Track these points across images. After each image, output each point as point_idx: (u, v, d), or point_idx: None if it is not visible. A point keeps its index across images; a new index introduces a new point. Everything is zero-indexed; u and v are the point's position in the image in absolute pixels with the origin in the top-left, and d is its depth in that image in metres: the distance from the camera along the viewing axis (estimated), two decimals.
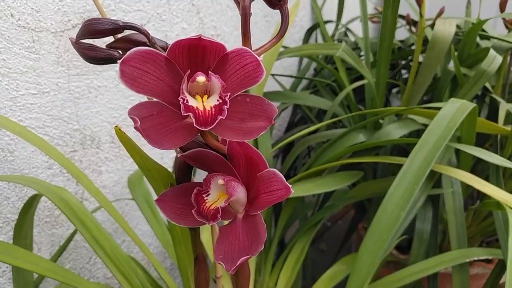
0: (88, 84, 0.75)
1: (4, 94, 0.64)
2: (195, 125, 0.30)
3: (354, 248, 1.19)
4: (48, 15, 0.67)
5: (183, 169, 0.43)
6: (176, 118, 0.33)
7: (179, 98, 0.30)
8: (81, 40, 0.38)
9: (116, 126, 0.32)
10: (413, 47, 1.21)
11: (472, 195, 1.05)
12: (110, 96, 0.79)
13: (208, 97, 0.32)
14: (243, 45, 0.36)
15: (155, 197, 0.41)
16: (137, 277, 0.66)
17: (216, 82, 0.31)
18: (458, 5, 1.25)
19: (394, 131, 0.76)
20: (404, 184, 0.59)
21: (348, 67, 1.15)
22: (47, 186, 0.60)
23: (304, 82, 1.32)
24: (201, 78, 0.31)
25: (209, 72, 0.31)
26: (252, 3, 0.36)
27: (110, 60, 0.37)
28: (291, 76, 1.13)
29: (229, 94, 0.31)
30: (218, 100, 0.31)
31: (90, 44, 0.37)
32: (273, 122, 0.31)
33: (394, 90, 1.34)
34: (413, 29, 0.99)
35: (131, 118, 0.29)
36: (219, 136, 0.33)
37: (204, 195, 0.38)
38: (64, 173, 0.75)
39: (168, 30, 0.86)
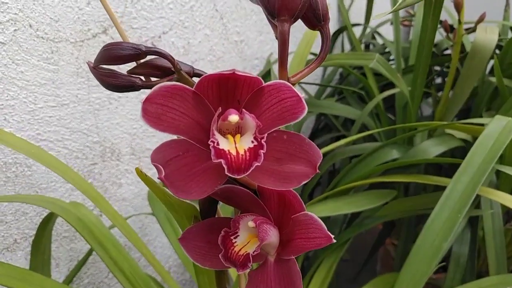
0: (109, 95, 0.72)
1: (22, 108, 0.62)
2: (226, 173, 0.26)
3: (380, 262, 1.14)
4: (67, 24, 0.64)
5: (208, 203, 0.39)
6: (204, 157, 0.29)
7: (209, 142, 0.26)
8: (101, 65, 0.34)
9: (137, 167, 0.28)
10: (446, 52, 1.15)
11: (508, 212, 0.99)
12: (131, 107, 0.76)
13: (241, 136, 0.28)
14: (280, 73, 0.32)
15: None
16: None
17: (250, 120, 0.27)
18: (495, 7, 1.18)
19: (431, 148, 0.71)
20: (446, 211, 0.54)
21: (376, 73, 1.10)
22: (63, 205, 0.58)
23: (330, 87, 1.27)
24: (233, 117, 0.27)
25: (243, 109, 0.27)
26: None
27: (132, 87, 0.34)
28: (317, 84, 1.08)
29: (265, 135, 0.27)
30: (252, 142, 0.27)
31: (110, 69, 0.34)
32: (317, 171, 0.27)
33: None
34: (450, 35, 0.93)
35: (154, 166, 0.25)
36: (252, 181, 0.29)
37: (232, 237, 0.34)
38: None
39: (191, 37, 0.83)
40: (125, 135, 0.77)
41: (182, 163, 0.28)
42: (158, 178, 0.25)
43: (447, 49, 1.13)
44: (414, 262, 0.53)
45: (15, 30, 0.59)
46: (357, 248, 1.16)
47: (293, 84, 0.32)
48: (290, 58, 0.83)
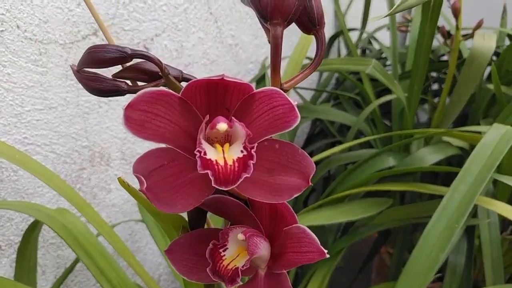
0: (98, 98, 0.70)
1: (9, 110, 0.60)
2: (213, 185, 0.24)
3: (375, 271, 1.12)
4: (56, 26, 0.62)
5: (197, 213, 0.38)
6: (191, 167, 0.27)
7: (195, 152, 0.25)
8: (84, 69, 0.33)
9: (119, 177, 0.27)
10: (443, 58, 1.14)
11: (504, 221, 0.98)
12: (121, 111, 0.75)
13: (230, 145, 0.27)
14: (272, 79, 0.30)
15: None
16: None
17: (240, 129, 0.26)
18: (492, 14, 1.17)
19: (427, 156, 0.70)
20: (444, 221, 0.53)
21: (372, 78, 1.09)
22: (48, 212, 0.56)
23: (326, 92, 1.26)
24: (222, 125, 0.25)
25: (232, 117, 0.26)
26: None
27: (117, 92, 0.32)
28: (312, 89, 1.07)
29: (255, 145, 0.26)
30: (242, 151, 0.26)
31: (94, 73, 0.32)
32: (310, 183, 0.26)
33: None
34: (447, 41, 0.92)
35: (136, 177, 0.24)
36: (241, 193, 0.28)
37: (221, 250, 0.33)
38: None
39: (184, 40, 0.81)
40: (115, 139, 0.75)
41: (167, 173, 0.27)
42: (140, 191, 0.24)
43: (444, 55, 1.12)
44: (410, 274, 0.51)
45: (1, 31, 0.57)
46: (352, 255, 1.14)
47: (286, 91, 0.31)
48: (285, 63, 0.82)
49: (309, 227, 0.32)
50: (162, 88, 0.26)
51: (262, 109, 0.27)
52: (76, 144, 0.69)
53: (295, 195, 0.26)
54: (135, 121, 0.25)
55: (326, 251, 0.28)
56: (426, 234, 0.53)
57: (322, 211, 0.70)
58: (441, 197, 0.57)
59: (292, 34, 1.14)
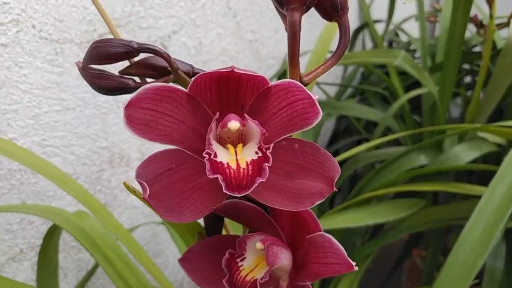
0: (117, 98, 0.69)
1: (26, 112, 0.59)
2: (225, 191, 0.22)
3: (406, 274, 1.08)
4: (72, 25, 0.61)
5: (213, 218, 0.35)
6: (201, 170, 0.25)
7: (204, 154, 0.22)
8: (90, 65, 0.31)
9: (124, 182, 0.24)
10: (475, 49, 1.08)
11: None
12: None
13: (244, 145, 0.24)
14: (290, 72, 0.27)
15: None
16: None
17: (254, 127, 0.23)
18: None
19: (462, 153, 0.65)
20: (482, 224, 0.49)
21: (400, 72, 1.04)
22: (66, 215, 0.54)
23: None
24: (233, 124, 0.22)
25: (245, 115, 0.23)
26: None
27: (124, 90, 0.30)
28: (337, 84, 1.03)
29: (271, 145, 0.23)
30: (256, 153, 0.23)
31: (100, 70, 0.30)
32: (334, 189, 0.23)
33: None
34: (480, 31, 0.87)
35: (139, 183, 0.21)
36: (257, 199, 0.25)
37: (238, 260, 0.30)
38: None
39: (203, 37, 0.79)
40: (134, 139, 0.74)
41: (175, 177, 0.24)
42: (142, 198, 0.21)
43: (476, 46, 1.06)
44: (445, 281, 0.47)
45: (17, 31, 0.56)
46: (382, 257, 1.10)
47: (306, 84, 0.28)
48: (307, 57, 0.78)
49: (335, 229, 0.29)
50: (165, 83, 0.23)
51: (279, 105, 0.24)
52: (95, 145, 0.68)
53: (318, 202, 0.23)
54: (138, 120, 0.23)
55: (354, 263, 0.25)
56: (462, 238, 0.49)
57: (348, 212, 0.66)
58: (477, 197, 0.53)
59: (314, 28, 1.10)
